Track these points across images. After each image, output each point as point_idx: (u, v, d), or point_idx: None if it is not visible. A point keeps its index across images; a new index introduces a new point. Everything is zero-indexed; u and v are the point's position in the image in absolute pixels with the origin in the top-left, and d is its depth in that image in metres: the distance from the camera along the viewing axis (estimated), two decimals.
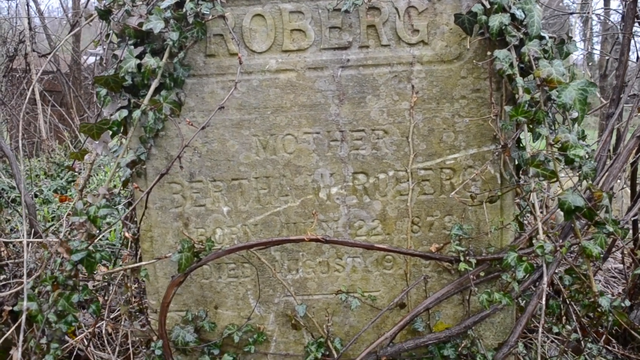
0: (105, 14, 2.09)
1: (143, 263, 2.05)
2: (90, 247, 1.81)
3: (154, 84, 1.96)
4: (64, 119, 6.06)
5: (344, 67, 2.10)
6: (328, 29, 2.09)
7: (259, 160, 2.15)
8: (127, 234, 1.95)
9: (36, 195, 4.76)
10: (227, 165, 2.15)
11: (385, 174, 2.15)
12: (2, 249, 2.61)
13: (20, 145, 1.91)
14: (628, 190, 4.03)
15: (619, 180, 4.01)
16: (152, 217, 2.18)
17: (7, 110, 5.66)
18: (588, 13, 5.12)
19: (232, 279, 2.23)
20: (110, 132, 2.05)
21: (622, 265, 3.58)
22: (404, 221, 2.16)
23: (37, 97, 4.75)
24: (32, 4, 6.08)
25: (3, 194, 4.20)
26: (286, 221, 2.18)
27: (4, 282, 2.57)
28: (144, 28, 1.94)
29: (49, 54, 5.69)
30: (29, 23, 5.25)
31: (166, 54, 1.98)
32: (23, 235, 2.43)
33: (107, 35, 2.12)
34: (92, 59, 6.66)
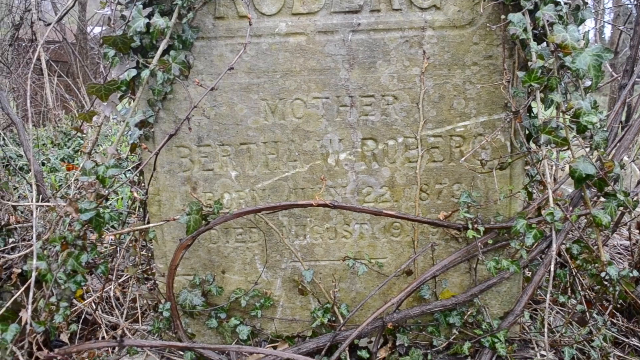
0: None
1: (151, 225, 2.05)
2: (99, 208, 1.81)
3: (163, 45, 1.94)
4: (70, 89, 6.04)
5: (355, 31, 2.07)
6: None
7: (267, 125, 2.14)
8: (135, 195, 1.94)
9: (43, 164, 4.77)
10: (236, 130, 2.14)
11: (395, 140, 2.13)
12: (11, 214, 2.62)
13: (30, 114, 1.90)
14: (635, 166, 4.01)
15: (628, 154, 3.98)
16: (160, 180, 2.17)
17: (13, 79, 5.64)
18: None
19: (240, 243, 2.23)
20: (119, 94, 2.03)
21: (627, 242, 3.57)
22: (412, 188, 2.15)
23: (44, 66, 4.73)
24: None
25: (11, 162, 4.20)
26: (294, 186, 2.18)
27: (12, 245, 2.59)
28: None
29: (54, 22, 5.65)
30: None
31: (175, 15, 1.95)
32: (32, 200, 2.44)
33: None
34: (98, 29, 6.62)
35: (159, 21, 1.89)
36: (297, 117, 2.13)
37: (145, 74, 1.92)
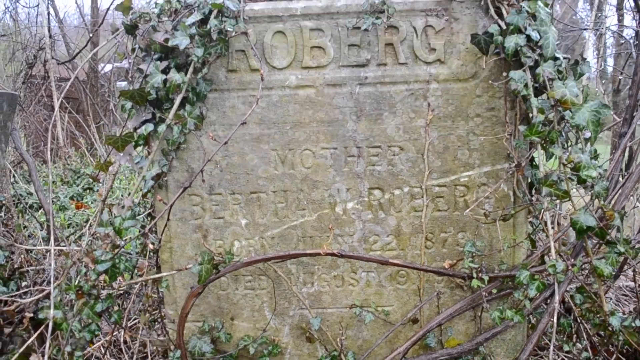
0: (131, 29, 2.15)
1: (165, 274, 2.09)
2: (115, 258, 1.86)
3: (179, 99, 2.02)
4: (79, 125, 6.15)
5: (362, 84, 2.15)
6: (347, 47, 2.14)
7: (277, 175, 2.20)
8: (150, 246, 1.99)
9: (53, 202, 4.83)
10: (246, 179, 2.20)
11: (401, 190, 2.19)
12: (24, 258, 2.66)
13: (49, 155, 1.95)
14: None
15: (631, 198, 4.01)
16: (172, 228, 2.23)
17: (25, 116, 5.75)
18: (601, 29, 5.15)
19: (249, 290, 2.27)
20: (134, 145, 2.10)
21: (633, 283, 3.59)
22: (418, 237, 2.20)
23: (56, 104, 4.84)
24: (51, 11, 6.18)
25: (21, 200, 4.27)
26: (303, 235, 2.23)
27: (25, 290, 2.63)
28: (169, 44, 2.00)
29: (68, 61, 5.80)
30: (49, 31, 5.34)
31: (190, 70, 2.03)
32: (50, 243, 2.48)
33: (133, 49, 2.18)
34: (109, 67, 6.77)
35: (175, 77, 1.98)
36: (306, 167, 2.19)
37: (161, 128, 1.99)
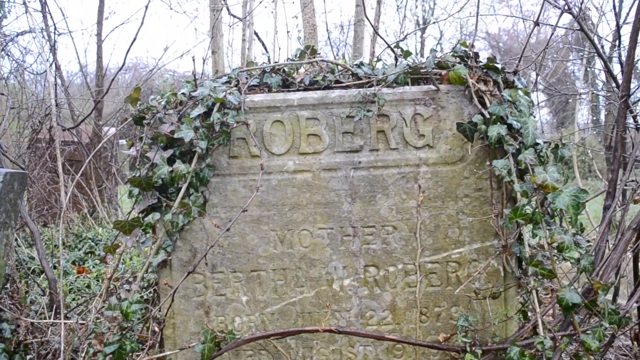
0: (139, 120, 2.31)
1: (168, 353, 2.17)
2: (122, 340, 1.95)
3: (184, 188, 2.16)
4: (81, 187, 6.30)
5: (356, 168, 2.29)
6: (341, 134, 2.29)
7: (276, 254, 2.31)
8: (157, 329, 2.08)
9: (55, 267, 4.91)
10: (247, 258, 2.31)
11: (395, 267, 2.30)
12: (29, 331, 2.74)
13: (61, 228, 2.06)
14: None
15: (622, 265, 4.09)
16: (175, 305, 2.32)
17: (30, 181, 5.89)
18: (590, 93, 5.36)
19: None
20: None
21: (631, 342, 3.64)
22: (412, 311, 2.29)
23: (60, 170, 4.99)
24: (58, 81, 6.42)
25: (23, 265, 4.35)
26: (301, 310, 2.32)
27: None
28: (175, 136, 2.15)
29: (73, 127, 5.99)
30: (55, 100, 5.55)
31: (195, 160, 2.18)
32: (61, 320, 2.56)
33: (140, 138, 2.32)
34: (112, 130, 6.97)
35: (180, 167, 2.11)
36: (304, 246, 2.31)
37: (168, 217, 2.11)
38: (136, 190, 2.21)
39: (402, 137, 2.28)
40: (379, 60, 2.62)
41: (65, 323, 2.52)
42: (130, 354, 2.01)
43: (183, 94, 2.31)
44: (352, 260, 2.30)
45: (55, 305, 3.28)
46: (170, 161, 2.20)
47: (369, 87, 2.32)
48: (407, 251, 2.29)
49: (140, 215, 2.27)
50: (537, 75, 4.35)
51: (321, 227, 2.30)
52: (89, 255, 5.12)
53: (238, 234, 2.31)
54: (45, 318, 3.13)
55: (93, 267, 4.79)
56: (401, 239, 2.29)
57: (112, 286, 2.34)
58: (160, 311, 2.32)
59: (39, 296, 3.94)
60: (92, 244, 5.38)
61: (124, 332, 1.97)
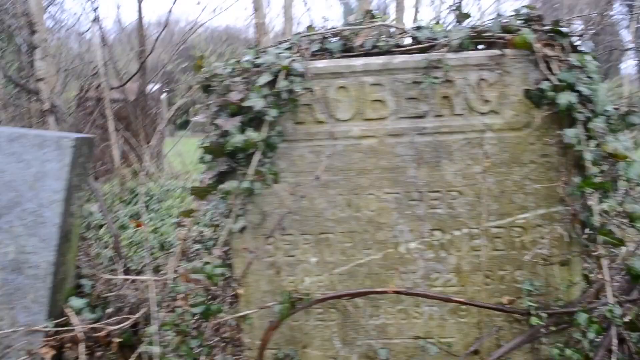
0: (206, 88, 2.37)
1: (250, 311, 2.31)
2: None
3: (257, 157, 2.23)
4: (130, 143, 6.46)
5: (421, 134, 2.32)
6: (406, 100, 2.32)
7: (344, 217, 2.39)
8: (239, 291, 2.21)
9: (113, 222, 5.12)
10: (315, 221, 2.40)
11: (460, 231, 2.36)
12: (108, 286, 2.91)
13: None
14: None
15: None
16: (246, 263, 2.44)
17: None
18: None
19: (319, 322, 2.46)
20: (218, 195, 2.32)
21: None
22: (477, 274, 2.37)
23: (111, 128, 5.13)
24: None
25: (91, 226, 4.54)
26: (369, 271, 2.41)
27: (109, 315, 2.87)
28: (244, 104, 2.21)
29: (120, 86, 6.10)
30: (104, 59, 5.65)
31: (266, 128, 2.24)
32: (149, 276, 2.72)
33: (207, 106, 2.39)
34: (157, 87, 7.08)
35: (252, 135, 2.19)
36: (370, 210, 2.38)
37: (245, 184, 2.20)
38: (209, 157, 2.30)
39: (466, 103, 2.30)
40: (437, 23, 2.61)
41: (143, 280, 2.69)
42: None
43: (247, 61, 2.35)
44: (418, 224, 2.37)
45: (122, 260, 3.46)
46: (239, 128, 2.27)
47: (432, 51, 2.33)
48: (472, 216, 2.34)
49: (211, 181, 2.37)
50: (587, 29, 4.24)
51: (387, 191, 2.36)
52: (144, 209, 5.31)
53: (306, 198, 2.39)
54: (113, 272, 3.33)
55: (148, 220, 4.98)
56: (466, 203, 2.34)
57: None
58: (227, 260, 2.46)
59: (102, 249, 4.14)
60: (146, 198, 5.56)
61: (208, 293, 2.10)
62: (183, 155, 7.85)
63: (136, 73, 5.83)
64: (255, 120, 2.29)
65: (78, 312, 2.59)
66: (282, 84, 2.22)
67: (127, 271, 3.23)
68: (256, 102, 2.18)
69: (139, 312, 2.58)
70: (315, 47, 2.44)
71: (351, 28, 2.47)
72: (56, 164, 2.62)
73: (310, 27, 2.57)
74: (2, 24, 4.84)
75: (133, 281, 3.03)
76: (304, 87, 2.26)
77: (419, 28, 2.50)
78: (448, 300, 2.26)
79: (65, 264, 2.71)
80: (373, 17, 2.55)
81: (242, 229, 2.38)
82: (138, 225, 4.96)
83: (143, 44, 6.51)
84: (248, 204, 2.39)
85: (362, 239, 2.40)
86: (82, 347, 2.46)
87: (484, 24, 2.42)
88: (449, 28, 2.51)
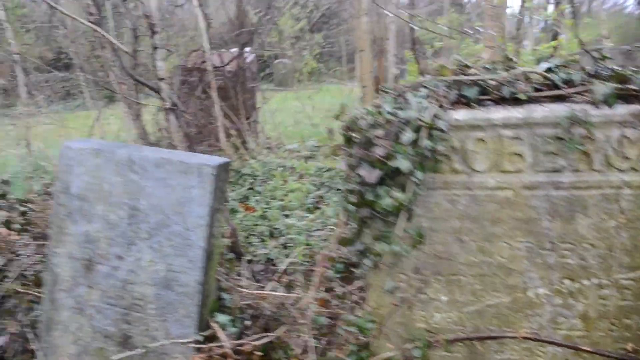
0: (348, 140, 2.51)
1: (388, 354, 2.54)
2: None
3: (403, 217, 2.40)
4: (229, 118, 6.68)
5: (557, 188, 2.40)
6: (543, 154, 2.39)
7: (475, 262, 2.54)
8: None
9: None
10: (448, 264, 2.56)
11: (589, 280, 2.46)
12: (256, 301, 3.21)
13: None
14: None
15: None
16: (381, 299, 2.65)
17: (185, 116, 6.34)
18: None
19: (446, 353, 2.67)
20: None
21: None
22: (603, 321, 2.48)
23: (217, 110, 5.34)
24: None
25: None
26: (497, 312, 2.57)
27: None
28: (391, 164, 2.35)
29: (226, 64, 6.26)
30: (206, 31, 5.78)
31: (411, 189, 2.38)
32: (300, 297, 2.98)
33: (350, 155, 2.53)
34: (252, 57, 7.22)
35: (400, 197, 2.34)
36: (502, 257, 2.51)
37: (395, 248, 2.38)
38: (352, 207, 2.48)
39: (605, 159, 2.35)
40: (574, 61, 2.61)
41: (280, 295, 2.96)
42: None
43: (389, 113, 2.46)
44: (547, 272, 2.49)
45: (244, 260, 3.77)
46: (380, 180, 2.42)
47: (570, 100, 2.37)
48: (603, 267, 2.43)
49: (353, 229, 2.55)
50: None
51: (520, 240, 2.48)
52: (249, 191, 5.61)
53: (440, 242, 2.54)
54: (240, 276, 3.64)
55: (255, 204, 5.27)
56: (598, 255, 2.43)
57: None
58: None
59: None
60: (251, 179, 5.83)
61: (360, 345, 2.34)
62: (278, 119, 7.92)
63: (241, 49, 5.94)
64: (397, 175, 2.42)
65: (223, 327, 2.90)
66: (425, 143, 2.34)
67: (254, 274, 3.53)
68: (403, 164, 2.32)
69: (279, 329, 2.86)
70: (452, 95, 2.51)
71: (491, 77, 2.51)
72: (200, 191, 2.86)
73: (442, 67, 2.63)
74: (128, 25, 5.09)
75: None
76: (445, 145, 2.37)
77: (551, 69, 2.52)
78: (577, 349, 2.40)
79: (209, 281, 3.02)
80: (510, 60, 2.58)
81: (376, 266, 2.58)
82: (247, 210, 5.27)
83: (242, 17, 6.59)
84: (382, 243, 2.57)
85: (492, 282, 2.55)
86: None
87: (627, 74, 2.41)
88: (587, 67, 2.52)
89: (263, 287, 3.32)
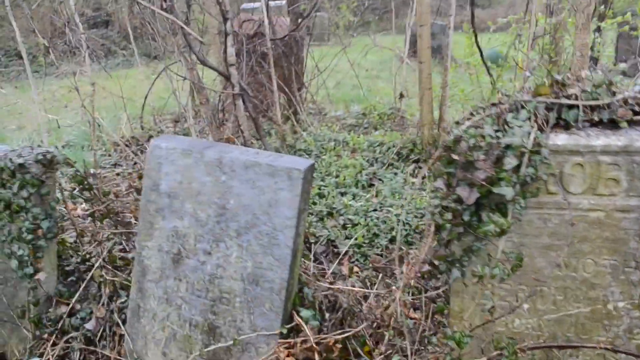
0: (451, 162, 2.56)
1: None
2: None
3: (503, 241, 2.50)
4: (283, 89, 6.52)
5: None
6: (639, 180, 2.48)
7: (560, 275, 2.68)
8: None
9: None
10: (532, 275, 2.70)
11: None
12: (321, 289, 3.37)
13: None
14: None
15: None
16: (464, 304, 2.81)
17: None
18: None
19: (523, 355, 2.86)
20: None
21: None
22: None
23: (274, 84, 5.27)
24: None
25: None
26: (576, 321, 2.74)
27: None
28: (495, 191, 2.43)
29: (283, 37, 6.10)
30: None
31: (510, 215, 2.48)
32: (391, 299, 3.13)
33: (449, 175, 2.60)
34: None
35: (502, 222, 2.44)
36: (586, 272, 2.65)
37: (495, 271, 2.50)
38: (447, 225, 2.58)
39: None
40: None
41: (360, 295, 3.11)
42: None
43: (491, 137, 2.52)
44: (629, 287, 2.63)
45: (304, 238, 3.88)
46: (487, 215, 2.51)
47: None
48: None
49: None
50: None
51: (605, 258, 2.61)
52: None
53: (527, 255, 2.67)
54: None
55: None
56: None
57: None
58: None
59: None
60: (306, 155, 5.84)
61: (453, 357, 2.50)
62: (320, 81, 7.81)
63: (306, 17, 5.78)
64: (497, 196, 2.51)
65: (306, 321, 3.06)
66: (528, 171, 2.42)
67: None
68: (507, 192, 2.40)
69: (361, 325, 3.03)
70: (552, 118, 2.55)
71: (592, 103, 2.55)
72: (288, 194, 2.95)
73: (542, 88, 2.65)
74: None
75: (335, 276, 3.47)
76: (546, 170, 2.45)
77: None
78: None
79: (294, 277, 3.16)
80: (611, 84, 2.61)
81: (463, 275, 2.71)
82: None
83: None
84: (472, 257, 2.70)
85: (574, 294, 2.70)
86: (317, 357, 2.96)
87: None
88: None
89: (334, 275, 3.47)
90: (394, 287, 3.03)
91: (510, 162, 2.44)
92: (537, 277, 2.69)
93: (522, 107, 2.59)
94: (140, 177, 5.04)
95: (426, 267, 2.66)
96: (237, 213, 3.02)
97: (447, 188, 2.60)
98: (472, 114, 2.73)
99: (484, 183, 2.46)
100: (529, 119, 2.54)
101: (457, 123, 2.72)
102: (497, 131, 2.52)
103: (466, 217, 2.53)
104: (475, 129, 2.56)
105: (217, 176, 3.01)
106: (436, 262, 2.71)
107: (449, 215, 2.57)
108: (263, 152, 3.15)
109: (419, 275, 2.86)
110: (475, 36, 5.70)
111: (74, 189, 3.79)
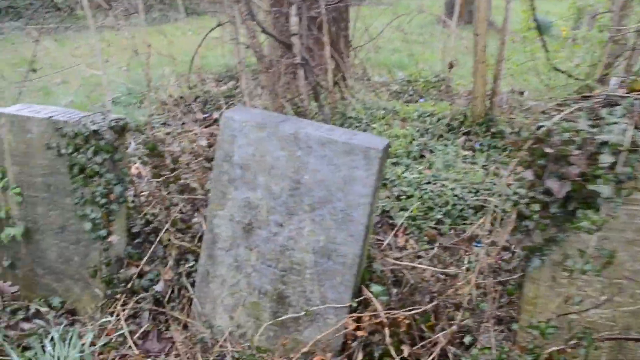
0: (538, 152, 2.52)
1: (554, 347, 2.73)
2: None
3: (595, 238, 2.48)
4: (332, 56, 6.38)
5: None
6: None
7: (638, 270, 2.67)
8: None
9: None
10: (614, 268, 2.69)
11: None
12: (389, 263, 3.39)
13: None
14: None
15: None
16: (540, 290, 2.82)
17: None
18: None
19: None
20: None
21: None
22: None
23: (327, 52, 5.16)
24: None
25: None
26: None
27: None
28: (591, 188, 2.39)
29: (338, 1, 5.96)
30: None
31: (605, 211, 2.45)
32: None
33: (540, 167, 2.56)
34: None
35: (595, 218, 2.41)
36: None
37: (582, 267, 2.49)
38: (535, 216, 2.57)
39: None
40: None
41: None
42: None
43: (586, 132, 2.45)
44: None
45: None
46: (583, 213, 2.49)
47: None
48: None
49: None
50: None
51: None
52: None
53: (611, 249, 2.65)
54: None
55: None
56: None
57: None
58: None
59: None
60: (357, 124, 5.80)
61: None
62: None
63: None
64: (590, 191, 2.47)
65: (377, 296, 3.10)
66: (624, 170, 2.37)
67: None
68: (604, 190, 2.36)
69: (430, 303, 3.06)
70: None
71: None
72: (364, 172, 2.93)
73: (637, 83, 2.58)
74: None
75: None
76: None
77: None
78: None
79: (364, 252, 3.18)
80: None
81: (543, 263, 2.71)
82: None
83: None
84: (552, 245, 2.69)
85: None
86: (387, 331, 3.00)
87: None
88: None
89: (399, 250, 3.49)
90: (466, 268, 3.03)
91: (606, 159, 2.39)
92: (618, 270, 2.67)
93: (617, 103, 2.53)
94: (193, 141, 5.07)
95: (506, 255, 2.66)
96: (312, 188, 3.02)
97: (536, 179, 2.57)
98: (559, 105, 2.67)
99: (577, 180, 2.43)
100: (625, 115, 2.48)
101: (544, 113, 2.67)
102: (591, 126, 2.46)
103: (553, 210, 2.51)
104: (567, 123, 2.51)
105: (293, 151, 3.00)
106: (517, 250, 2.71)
107: (536, 207, 2.55)
108: (337, 129, 3.13)
109: (499, 262, 2.86)
110: (533, 10, 5.52)
111: (144, 154, 3.81)
